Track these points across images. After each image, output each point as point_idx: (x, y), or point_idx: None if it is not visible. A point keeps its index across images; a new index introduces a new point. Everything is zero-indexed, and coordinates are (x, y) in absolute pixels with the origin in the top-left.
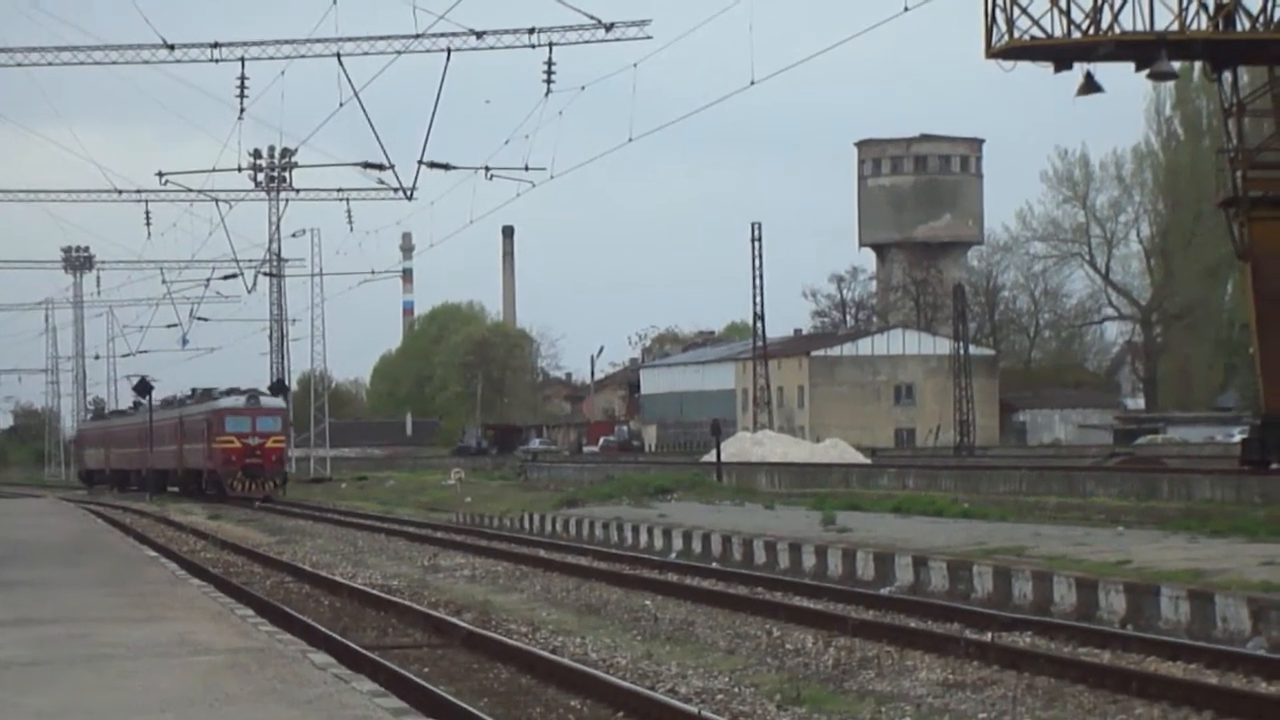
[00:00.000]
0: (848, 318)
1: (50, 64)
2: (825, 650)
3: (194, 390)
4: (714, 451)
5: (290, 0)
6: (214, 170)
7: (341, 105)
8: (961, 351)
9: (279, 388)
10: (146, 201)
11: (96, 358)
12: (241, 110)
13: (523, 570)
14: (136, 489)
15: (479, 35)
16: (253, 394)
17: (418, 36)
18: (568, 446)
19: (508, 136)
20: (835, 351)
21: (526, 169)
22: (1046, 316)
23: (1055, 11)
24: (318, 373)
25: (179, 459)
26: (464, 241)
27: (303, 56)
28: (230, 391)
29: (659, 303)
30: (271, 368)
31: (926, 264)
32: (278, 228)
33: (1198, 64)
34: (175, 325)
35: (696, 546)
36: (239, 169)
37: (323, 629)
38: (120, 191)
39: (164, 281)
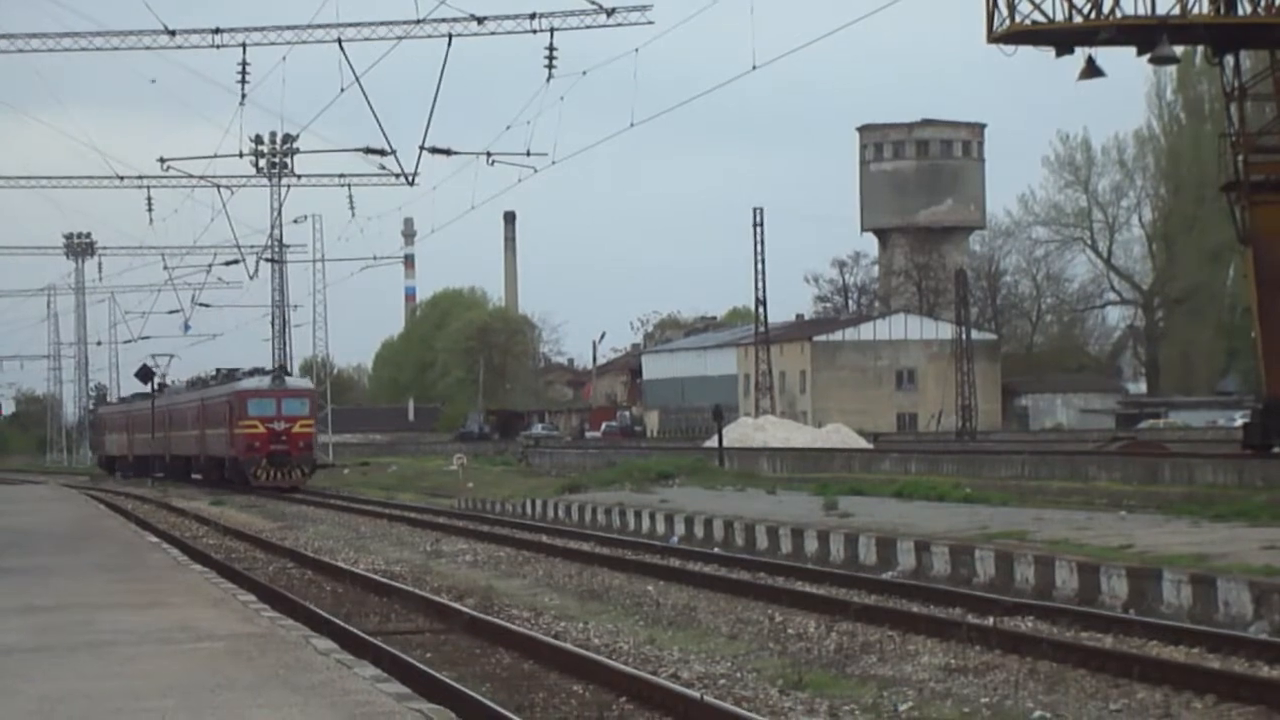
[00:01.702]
0: (850, 302)
1: (51, 50)
2: (827, 635)
3: (218, 371)
4: (716, 437)
5: None
6: (215, 156)
7: (343, 91)
8: (963, 336)
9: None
10: (148, 187)
11: (99, 344)
12: (243, 96)
13: (525, 556)
14: (163, 477)
15: (480, 20)
16: (278, 374)
17: (419, 22)
18: (570, 432)
19: (509, 122)
20: (837, 336)
21: (528, 154)
22: (1048, 301)
23: None
24: (320, 359)
25: (200, 445)
26: (466, 227)
27: (304, 42)
28: (254, 372)
29: (661, 288)
30: (274, 354)
31: (928, 249)
32: (279, 214)
33: (1199, 48)
34: (177, 311)
35: (699, 531)
36: (240, 155)
37: (325, 614)
38: (122, 177)
39: (166, 267)
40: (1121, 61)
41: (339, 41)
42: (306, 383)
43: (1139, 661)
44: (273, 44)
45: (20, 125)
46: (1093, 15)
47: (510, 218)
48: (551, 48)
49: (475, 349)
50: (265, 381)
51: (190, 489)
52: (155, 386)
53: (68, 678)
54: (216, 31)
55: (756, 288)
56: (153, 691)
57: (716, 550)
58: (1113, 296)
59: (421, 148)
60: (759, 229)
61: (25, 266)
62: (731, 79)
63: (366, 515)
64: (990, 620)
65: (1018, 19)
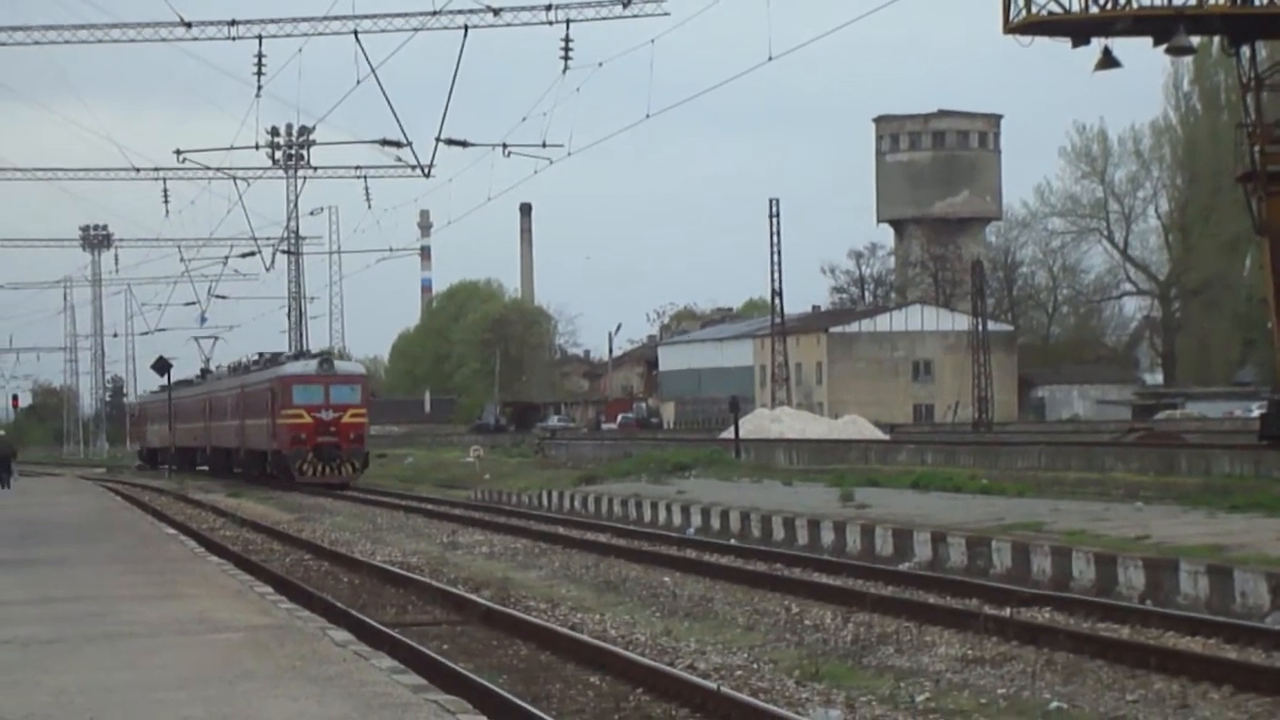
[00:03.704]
0: (866, 294)
1: (68, 42)
2: (844, 626)
3: (260, 355)
4: (732, 428)
5: None
6: (232, 148)
7: (359, 83)
8: (980, 327)
9: None
10: (164, 179)
11: (115, 336)
12: (259, 88)
13: (541, 547)
14: (207, 470)
15: (496, 12)
16: (325, 357)
17: (435, 14)
18: (586, 424)
19: (525, 113)
20: (853, 328)
21: (544, 146)
22: (1065, 292)
23: None
24: (336, 350)
25: (240, 436)
26: (482, 219)
27: (320, 34)
28: (299, 355)
29: (677, 279)
30: (290, 346)
31: (945, 240)
32: (296, 205)
33: (1216, 38)
34: (194, 303)
35: (715, 523)
36: (257, 147)
37: (342, 606)
38: (138, 169)
39: (182, 259)
40: (1138, 52)
41: (355, 33)
42: (358, 367)
43: (1156, 652)
44: (289, 36)
45: (37, 117)
46: (1109, 6)
47: (526, 209)
48: (567, 39)
49: (491, 341)
50: (312, 366)
51: (207, 480)
52: (202, 371)
53: (85, 669)
54: (232, 23)
55: (772, 279)
56: (170, 683)
57: (733, 541)
58: (1129, 287)
59: (438, 139)
60: (775, 220)
61: (42, 258)
62: (747, 70)
63: (383, 507)
64: (1007, 611)
65: (1034, 9)
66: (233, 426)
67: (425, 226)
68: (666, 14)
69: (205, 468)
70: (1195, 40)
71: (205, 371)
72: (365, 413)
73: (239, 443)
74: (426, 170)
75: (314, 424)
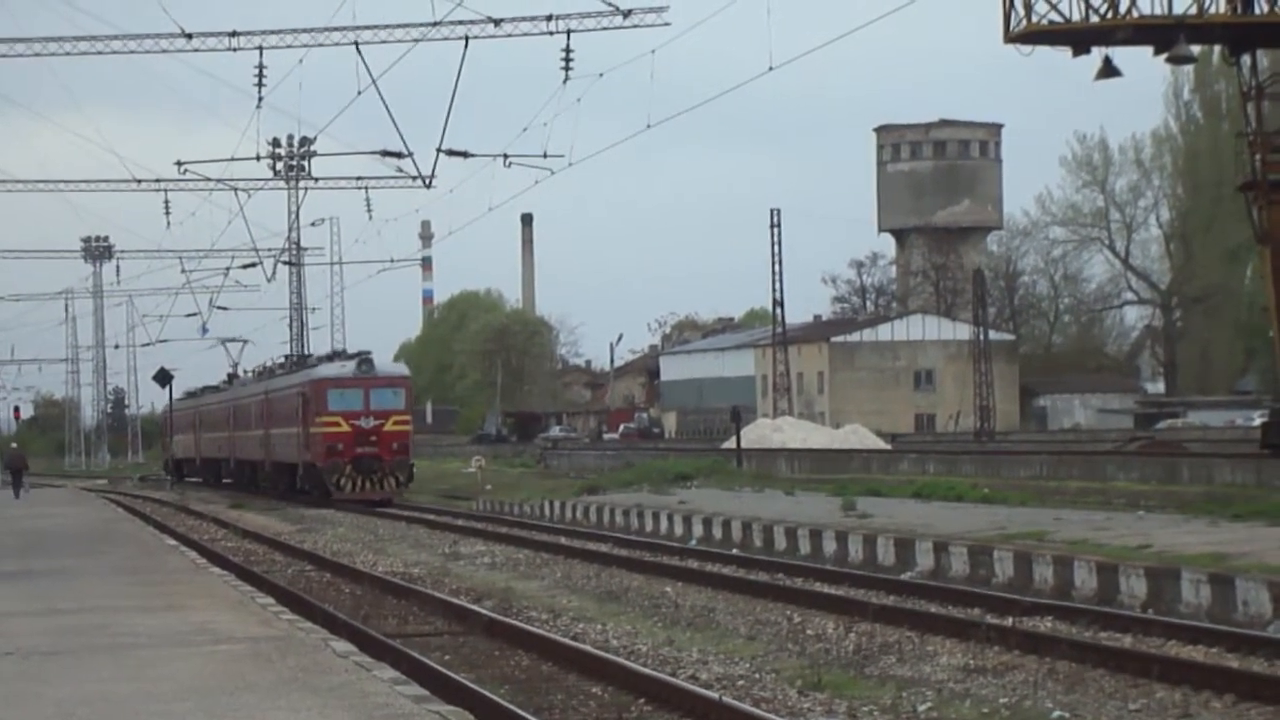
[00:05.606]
0: (867, 303)
1: (68, 53)
2: (846, 636)
3: (287, 357)
4: (734, 438)
5: None
6: (233, 159)
7: (360, 93)
8: (981, 336)
9: None
10: (165, 190)
11: (116, 347)
12: (260, 99)
13: (543, 557)
14: (231, 483)
15: (497, 23)
16: (365, 358)
17: (436, 24)
18: (588, 434)
19: (526, 124)
20: (855, 337)
21: (545, 156)
22: (1066, 301)
23: None
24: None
25: (265, 448)
26: (483, 229)
27: (321, 45)
28: (334, 356)
29: (678, 289)
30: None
31: (946, 249)
32: (297, 216)
33: (1216, 47)
34: (195, 314)
35: (717, 533)
36: (257, 158)
37: (344, 617)
38: (139, 181)
39: (183, 271)
40: (1138, 61)
41: (356, 44)
42: (401, 368)
43: (1158, 661)
44: (289, 47)
45: (38, 128)
46: (1109, 15)
47: (527, 220)
48: (568, 49)
49: (493, 351)
50: (349, 367)
51: (208, 492)
52: (229, 376)
53: (87, 681)
54: (233, 34)
55: (774, 289)
56: (172, 694)
57: (735, 551)
58: (1130, 296)
59: (439, 150)
60: (776, 230)
61: (43, 270)
62: (748, 80)
63: (384, 518)
64: (1009, 620)
65: (1034, 19)
66: (257, 436)
67: (426, 237)
68: (667, 24)
69: (229, 480)
70: (1196, 49)
71: (232, 377)
72: (410, 419)
73: (264, 454)
74: (427, 181)
75: (352, 433)
